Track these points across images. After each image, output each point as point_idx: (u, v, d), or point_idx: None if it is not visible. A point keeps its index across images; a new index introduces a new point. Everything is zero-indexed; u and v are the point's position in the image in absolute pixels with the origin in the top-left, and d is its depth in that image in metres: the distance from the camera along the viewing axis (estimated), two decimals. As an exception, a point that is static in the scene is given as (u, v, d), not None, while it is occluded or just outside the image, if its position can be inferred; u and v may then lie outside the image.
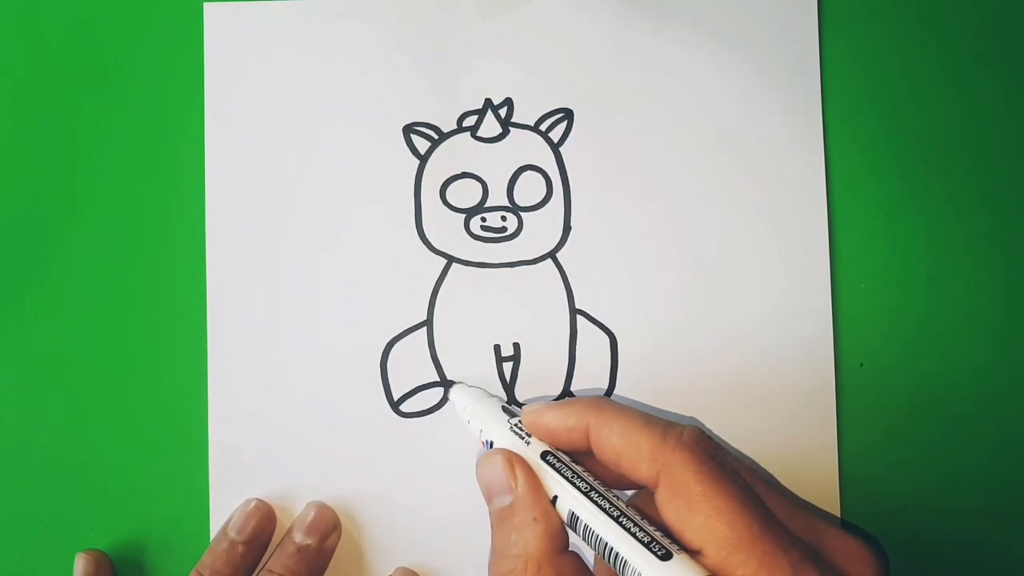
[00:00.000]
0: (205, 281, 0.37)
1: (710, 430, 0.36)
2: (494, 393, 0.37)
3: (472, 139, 0.38)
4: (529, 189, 0.37)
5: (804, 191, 0.37)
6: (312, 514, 0.36)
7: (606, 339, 0.37)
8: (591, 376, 0.37)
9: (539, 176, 0.37)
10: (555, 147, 0.38)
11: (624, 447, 0.29)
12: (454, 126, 0.38)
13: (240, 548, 0.35)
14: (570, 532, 0.30)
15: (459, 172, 0.38)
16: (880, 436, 0.37)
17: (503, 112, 0.38)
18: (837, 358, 0.37)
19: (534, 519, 0.29)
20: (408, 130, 0.38)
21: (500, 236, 0.37)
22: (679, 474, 0.27)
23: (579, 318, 0.37)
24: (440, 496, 0.37)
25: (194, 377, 0.37)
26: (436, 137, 0.38)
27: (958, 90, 0.38)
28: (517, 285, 0.37)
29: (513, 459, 0.30)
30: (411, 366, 0.37)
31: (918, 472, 0.37)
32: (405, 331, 0.37)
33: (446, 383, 0.37)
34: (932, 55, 0.38)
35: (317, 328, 0.37)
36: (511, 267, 0.37)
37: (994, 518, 0.36)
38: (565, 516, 0.29)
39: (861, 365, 0.37)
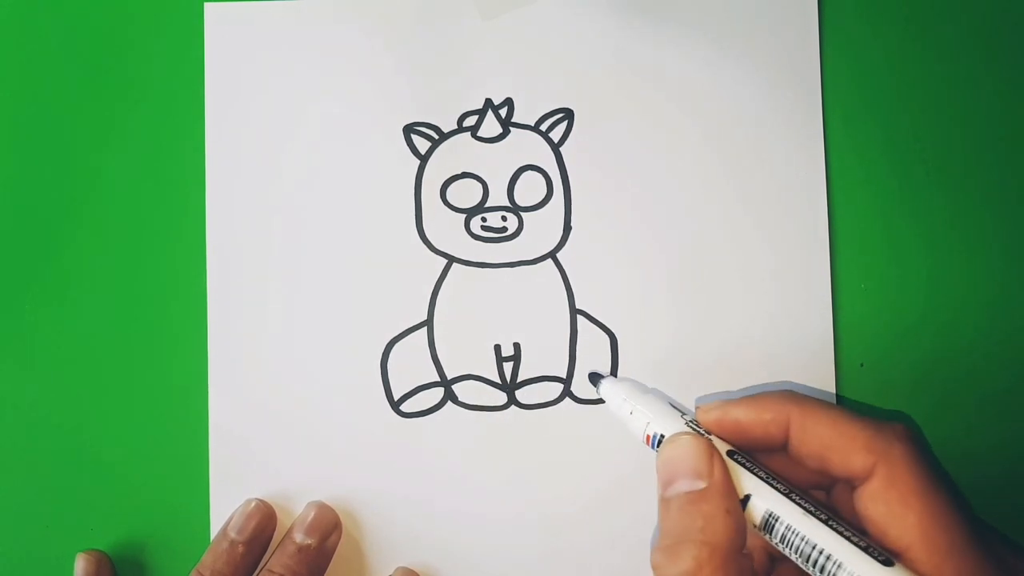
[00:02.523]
0: (205, 281, 0.37)
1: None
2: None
3: (472, 139, 0.38)
4: (529, 189, 0.37)
5: (804, 192, 0.37)
6: (312, 514, 0.36)
7: (606, 339, 0.37)
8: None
9: (539, 176, 0.38)
10: (555, 147, 0.38)
11: (836, 438, 0.28)
12: (454, 126, 0.38)
13: (240, 548, 0.35)
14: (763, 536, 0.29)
15: (459, 172, 0.38)
16: (880, 436, 0.37)
17: (503, 112, 0.38)
18: (837, 358, 0.37)
19: (727, 511, 0.27)
20: (408, 130, 0.38)
21: (500, 236, 0.37)
22: (898, 467, 0.26)
23: (579, 318, 0.37)
24: (440, 496, 0.37)
25: (194, 377, 0.37)
26: (436, 137, 0.38)
27: (958, 91, 0.38)
28: (517, 285, 0.37)
29: (710, 445, 0.29)
30: (411, 366, 0.37)
31: (918, 472, 0.37)
32: (405, 331, 0.37)
33: (447, 383, 0.37)
34: (932, 56, 0.38)
35: (317, 328, 0.37)
36: (511, 267, 0.37)
37: (995, 518, 0.36)
38: (759, 517, 0.28)
39: (861, 365, 0.37)
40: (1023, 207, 0.37)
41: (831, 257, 0.37)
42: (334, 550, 0.36)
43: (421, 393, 0.37)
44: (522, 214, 0.37)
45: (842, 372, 0.37)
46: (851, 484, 0.28)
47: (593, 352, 0.37)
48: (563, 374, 0.37)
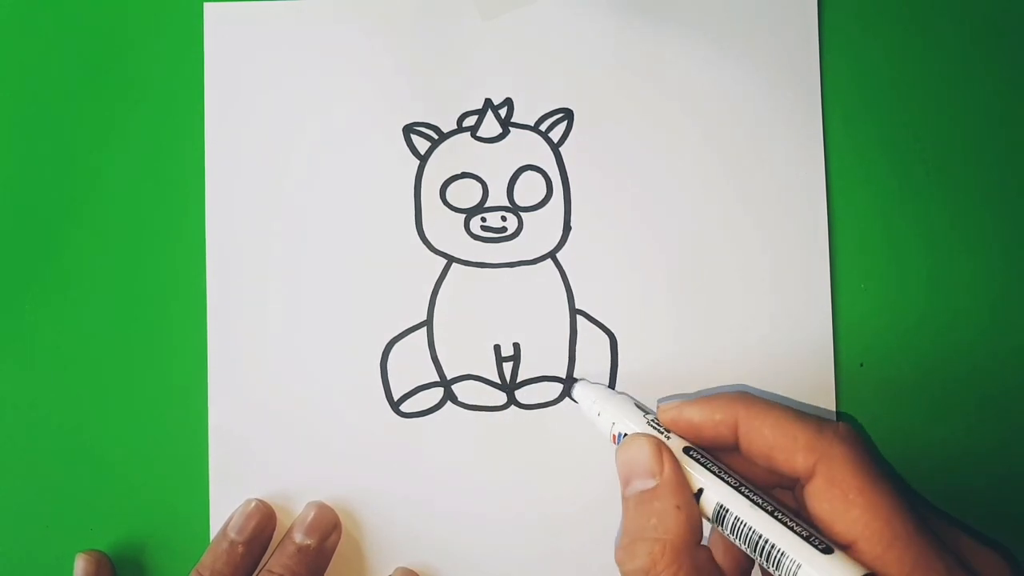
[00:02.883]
0: (205, 281, 0.37)
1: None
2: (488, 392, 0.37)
3: (472, 139, 0.38)
4: (529, 189, 0.37)
5: (804, 191, 0.37)
6: (312, 514, 0.36)
7: (606, 339, 0.37)
8: (591, 376, 0.37)
9: (539, 176, 0.38)
10: (555, 147, 0.38)
11: (778, 438, 0.29)
12: (454, 126, 0.38)
13: (240, 548, 0.35)
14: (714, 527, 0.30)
15: (459, 172, 0.38)
16: (880, 436, 0.37)
17: (503, 112, 0.38)
18: (837, 358, 0.37)
19: (677, 507, 0.29)
20: (408, 130, 0.38)
21: (500, 236, 0.37)
22: (838, 466, 0.28)
23: (579, 318, 0.37)
24: (440, 496, 0.37)
25: (194, 377, 0.37)
26: (436, 137, 0.38)
27: (957, 91, 0.38)
28: (517, 285, 0.37)
29: (660, 445, 0.30)
30: (411, 366, 0.37)
31: (919, 472, 0.36)
32: (405, 331, 0.37)
33: (447, 383, 0.37)
34: (931, 56, 0.38)
35: (317, 328, 0.37)
36: (511, 267, 0.37)
37: (996, 519, 0.36)
38: (711, 510, 0.29)
39: (861, 365, 0.37)
40: (1023, 207, 0.37)
41: (831, 257, 0.37)
42: (334, 550, 0.36)
43: (421, 393, 0.37)
44: (522, 214, 0.37)
45: (842, 372, 0.37)
46: (800, 483, 0.29)
47: (593, 352, 0.37)
48: (563, 374, 0.37)
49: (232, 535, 0.35)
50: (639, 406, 0.34)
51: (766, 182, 0.37)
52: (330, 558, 0.36)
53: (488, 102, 0.38)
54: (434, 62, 0.38)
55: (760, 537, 0.28)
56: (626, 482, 0.30)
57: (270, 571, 0.34)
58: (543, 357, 0.37)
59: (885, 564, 0.26)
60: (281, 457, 0.37)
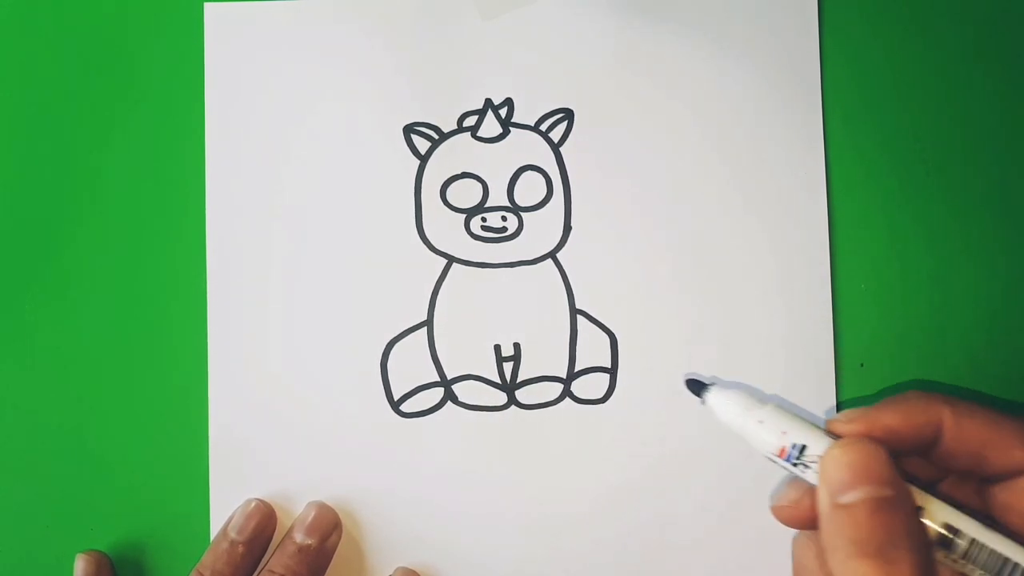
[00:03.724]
0: (205, 281, 0.37)
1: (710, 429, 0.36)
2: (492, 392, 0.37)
3: (472, 139, 0.38)
4: (529, 189, 0.37)
5: (804, 192, 0.37)
6: (312, 514, 0.36)
7: (606, 339, 0.37)
8: (592, 380, 0.37)
9: (539, 176, 0.38)
10: (555, 147, 0.38)
11: (992, 435, 0.28)
12: (454, 126, 0.38)
13: (240, 548, 0.35)
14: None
15: (459, 172, 0.38)
16: (880, 436, 0.37)
17: (503, 112, 0.38)
18: (837, 358, 0.37)
19: (920, 520, 0.27)
20: (408, 130, 0.38)
21: (500, 236, 0.37)
22: None
23: (579, 318, 0.37)
24: (440, 496, 0.37)
25: (195, 377, 0.37)
26: (436, 137, 0.38)
27: (958, 90, 0.38)
28: (517, 285, 0.37)
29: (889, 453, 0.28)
30: (411, 366, 0.37)
31: (918, 472, 0.37)
32: (405, 331, 0.37)
33: (447, 383, 0.37)
34: (932, 56, 0.38)
35: (317, 328, 0.37)
36: (511, 267, 0.37)
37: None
38: (936, 531, 0.27)
39: (861, 365, 0.37)
40: (1023, 207, 0.37)
41: (831, 257, 0.37)
42: (334, 550, 0.36)
43: (421, 393, 0.37)
44: (522, 214, 0.37)
45: (842, 372, 0.37)
46: (1001, 479, 0.28)
47: (593, 352, 0.37)
48: (563, 374, 0.37)
49: (232, 535, 0.35)
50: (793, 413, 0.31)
51: (766, 182, 0.37)
52: (330, 558, 0.36)
53: (488, 102, 0.38)
54: (434, 62, 0.38)
55: (1006, 563, 0.26)
56: (845, 487, 0.27)
57: (271, 571, 0.34)
58: (543, 357, 0.37)
59: None
60: (281, 457, 0.37)
